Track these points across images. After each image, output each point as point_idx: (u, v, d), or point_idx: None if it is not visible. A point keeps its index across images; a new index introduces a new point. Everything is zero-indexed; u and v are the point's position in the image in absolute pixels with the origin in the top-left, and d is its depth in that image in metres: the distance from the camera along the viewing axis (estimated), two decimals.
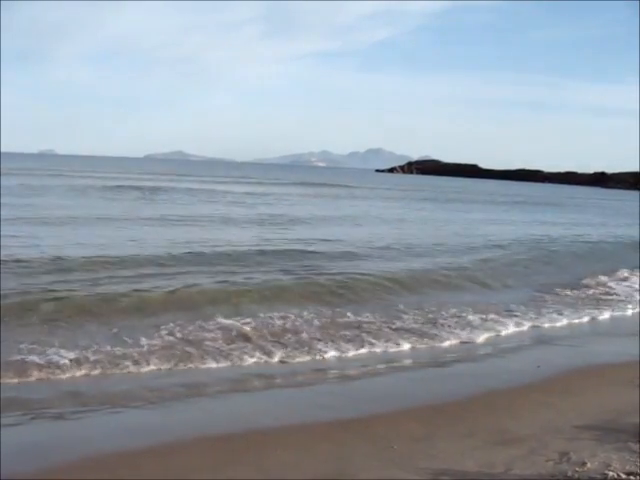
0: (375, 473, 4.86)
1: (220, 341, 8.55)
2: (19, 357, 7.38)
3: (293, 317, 9.90)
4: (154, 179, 57.90)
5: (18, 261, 12.37)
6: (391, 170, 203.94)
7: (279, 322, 9.62)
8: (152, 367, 7.48)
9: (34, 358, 7.35)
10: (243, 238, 18.55)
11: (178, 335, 8.64)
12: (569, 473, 4.78)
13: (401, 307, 11.10)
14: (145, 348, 8.00)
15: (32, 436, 5.47)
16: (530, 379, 7.57)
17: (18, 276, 11.20)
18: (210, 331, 8.91)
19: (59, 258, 12.96)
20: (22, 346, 7.72)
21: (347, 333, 9.30)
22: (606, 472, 4.76)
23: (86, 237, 16.96)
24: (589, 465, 4.91)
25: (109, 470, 4.84)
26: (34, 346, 7.74)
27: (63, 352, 7.59)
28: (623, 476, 4.68)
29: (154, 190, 40.36)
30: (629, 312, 12.11)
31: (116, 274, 12.09)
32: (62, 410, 6.06)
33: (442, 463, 5.01)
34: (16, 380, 6.84)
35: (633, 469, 4.80)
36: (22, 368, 7.08)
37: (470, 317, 10.63)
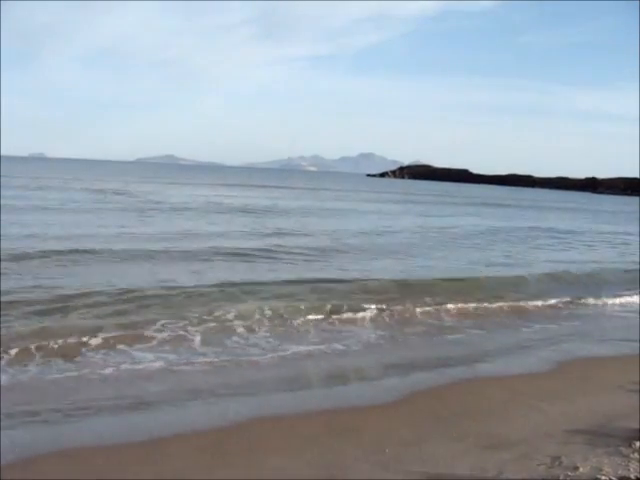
0: (366, 477, 4.82)
1: None
2: None
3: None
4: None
5: None
6: (382, 175, 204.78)
7: None
8: None
9: None
10: None
11: None
12: (561, 477, 4.76)
13: None
14: None
15: None
16: (519, 383, 7.55)
17: None
18: None
19: None
20: None
21: None
22: (598, 476, 4.74)
23: None
24: (581, 469, 4.90)
25: (96, 469, 4.80)
26: None
27: None
28: None
29: None
30: None
31: None
32: None
33: (434, 467, 4.98)
34: None
35: (625, 473, 4.78)
36: None
37: None
